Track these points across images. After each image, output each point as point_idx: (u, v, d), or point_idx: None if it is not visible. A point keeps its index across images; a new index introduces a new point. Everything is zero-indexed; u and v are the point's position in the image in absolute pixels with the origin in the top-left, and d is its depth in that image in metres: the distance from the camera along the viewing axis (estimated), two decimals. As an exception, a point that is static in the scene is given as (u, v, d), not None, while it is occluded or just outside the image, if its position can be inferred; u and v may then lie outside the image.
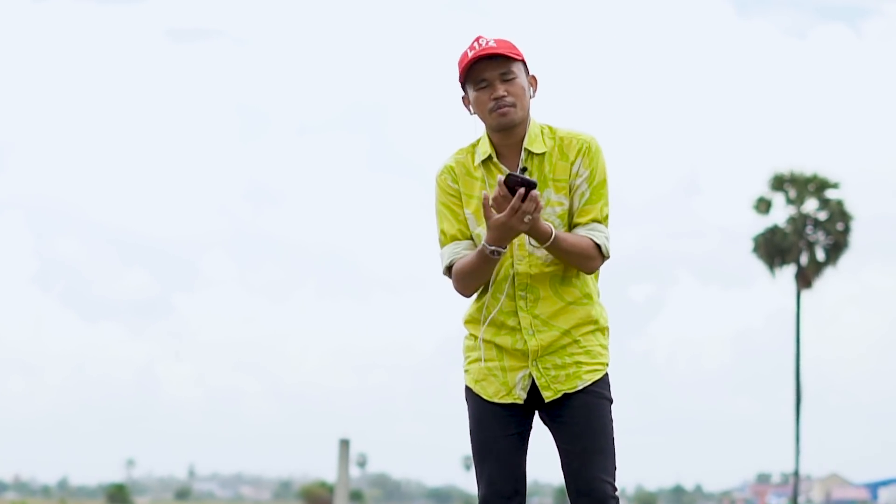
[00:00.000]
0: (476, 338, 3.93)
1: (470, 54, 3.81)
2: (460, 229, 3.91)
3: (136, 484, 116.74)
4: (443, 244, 3.94)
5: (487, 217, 3.69)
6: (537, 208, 3.66)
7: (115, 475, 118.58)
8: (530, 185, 3.63)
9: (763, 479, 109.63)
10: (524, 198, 3.64)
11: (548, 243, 3.76)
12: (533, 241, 3.82)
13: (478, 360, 3.94)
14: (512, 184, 3.65)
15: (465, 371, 4.00)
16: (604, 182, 3.87)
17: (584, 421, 3.87)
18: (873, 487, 70.59)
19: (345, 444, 25.97)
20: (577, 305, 3.90)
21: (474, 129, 3.93)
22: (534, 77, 3.88)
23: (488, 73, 3.80)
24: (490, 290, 3.89)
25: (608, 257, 3.88)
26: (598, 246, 3.84)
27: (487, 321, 3.89)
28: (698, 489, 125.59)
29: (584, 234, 3.85)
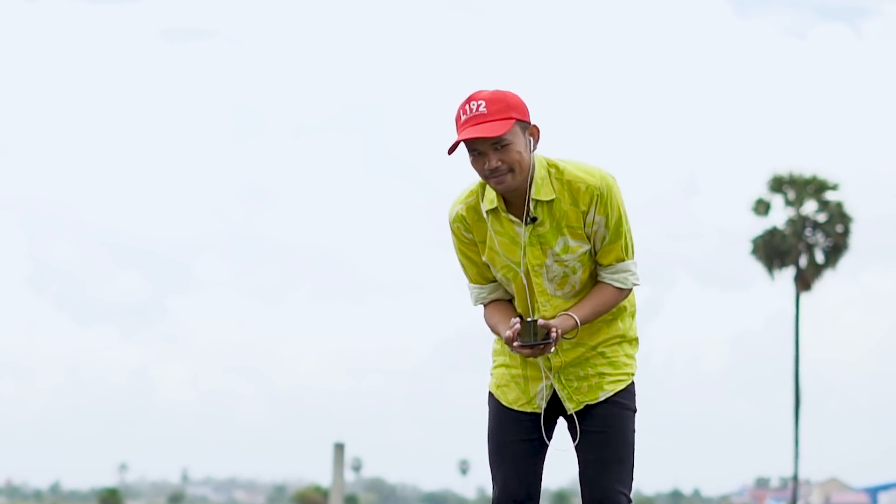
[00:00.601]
0: (502, 342, 3.90)
1: (461, 122, 3.74)
2: (481, 273, 3.95)
3: (128, 488, 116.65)
4: (469, 281, 4.01)
5: (508, 343, 3.75)
6: (557, 341, 3.74)
7: (108, 479, 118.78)
8: (545, 341, 3.72)
9: (762, 483, 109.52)
10: (541, 345, 3.72)
11: (578, 330, 3.83)
12: (550, 286, 3.85)
13: (503, 365, 3.97)
14: (523, 344, 3.73)
15: (491, 374, 4.03)
16: (621, 219, 3.84)
17: (604, 431, 3.88)
18: (873, 492, 70.32)
19: (340, 447, 25.68)
20: (606, 325, 3.92)
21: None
22: (535, 128, 3.80)
23: (479, 144, 3.73)
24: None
25: (638, 284, 3.92)
26: (620, 289, 3.87)
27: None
28: (696, 494, 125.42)
29: (607, 279, 3.88)
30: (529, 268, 3.85)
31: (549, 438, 3.95)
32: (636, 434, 3.94)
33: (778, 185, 40.13)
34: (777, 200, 40.18)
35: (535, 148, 3.81)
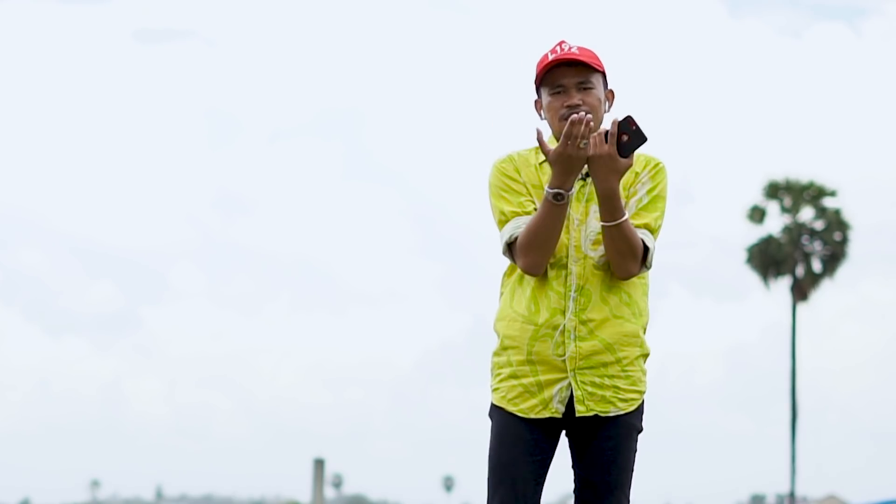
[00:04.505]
0: (506, 350, 3.90)
1: (550, 58, 3.86)
2: (521, 204, 3.89)
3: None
4: (502, 224, 3.91)
5: (545, 153, 3.76)
6: (589, 130, 3.71)
7: (80, 496, 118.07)
8: (635, 136, 3.74)
9: (757, 500, 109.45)
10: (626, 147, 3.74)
11: (619, 221, 3.79)
12: (589, 245, 3.86)
13: (511, 376, 3.90)
14: (622, 130, 3.73)
15: (495, 389, 3.95)
16: (664, 199, 3.92)
17: (611, 455, 3.89)
18: (868, 510, 69.77)
19: (319, 463, 26.18)
20: (624, 320, 3.90)
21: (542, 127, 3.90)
22: (611, 91, 3.95)
23: (566, 79, 3.85)
24: (536, 282, 3.87)
25: (649, 268, 3.90)
26: (646, 249, 3.86)
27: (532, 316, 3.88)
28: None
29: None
30: (570, 221, 3.86)
31: (553, 455, 3.93)
32: (637, 454, 3.95)
33: (773, 191, 39.66)
34: (773, 207, 39.74)
35: (608, 110, 3.92)
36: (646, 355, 3.96)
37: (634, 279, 3.90)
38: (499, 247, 3.93)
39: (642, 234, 3.86)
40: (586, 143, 3.71)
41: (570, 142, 3.70)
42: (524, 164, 3.92)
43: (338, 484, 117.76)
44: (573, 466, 3.93)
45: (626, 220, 3.79)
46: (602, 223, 3.81)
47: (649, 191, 3.90)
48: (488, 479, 3.91)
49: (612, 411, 3.87)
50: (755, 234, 39.49)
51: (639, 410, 3.93)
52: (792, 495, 39.76)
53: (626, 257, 3.82)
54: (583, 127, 3.69)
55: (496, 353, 3.97)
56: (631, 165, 3.78)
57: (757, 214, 39.46)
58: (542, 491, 3.93)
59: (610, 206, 3.78)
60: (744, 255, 39.52)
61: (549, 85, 3.86)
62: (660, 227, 3.92)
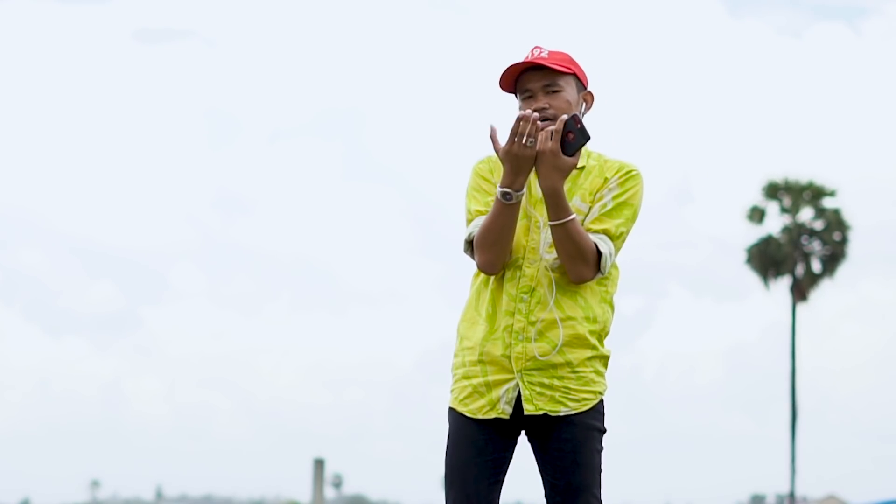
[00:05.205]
0: (463, 351, 3.93)
1: (521, 62, 3.87)
2: (488, 203, 3.89)
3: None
4: (468, 223, 3.93)
5: (496, 150, 3.76)
6: (536, 128, 3.71)
7: (80, 496, 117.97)
8: (580, 134, 3.72)
9: (757, 500, 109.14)
10: (570, 146, 3.73)
11: (563, 220, 3.76)
12: (547, 247, 3.85)
13: (464, 377, 3.92)
14: (568, 128, 3.72)
15: (451, 391, 3.99)
16: (631, 207, 3.89)
17: (571, 456, 3.86)
18: (869, 509, 69.71)
19: (319, 463, 25.93)
20: (576, 323, 3.87)
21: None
22: (589, 93, 3.95)
23: (532, 83, 3.87)
24: (495, 283, 3.88)
25: (603, 273, 3.84)
26: (598, 254, 3.81)
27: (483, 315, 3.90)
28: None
29: (592, 239, 3.84)
30: (532, 221, 3.87)
31: (510, 455, 3.92)
32: (602, 454, 3.91)
33: (773, 191, 39.53)
34: (772, 207, 39.60)
35: (585, 112, 3.92)
36: (603, 357, 3.92)
37: (593, 287, 3.88)
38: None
39: (598, 239, 3.82)
40: (532, 141, 3.70)
41: (517, 139, 3.70)
42: (500, 166, 3.89)
43: (338, 484, 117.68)
44: (539, 471, 3.92)
45: (571, 220, 3.76)
46: (549, 223, 3.80)
47: (615, 196, 3.87)
48: (444, 480, 3.93)
49: (563, 411, 3.84)
50: (755, 234, 39.44)
51: (596, 411, 3.89)
52: (792, 495, 39.63)
53: (575, 260, 3.79)
54: (529, 125, 3.69)
55: (455, 354, 3.99)
56: (575, 165, 3.76)
57: (756, 215, 39.36)
58: (499, 491, 3.91)
59: (553, 205, 3.76)
60: (743, 256, 39.43)
61: (519, 90, 3.89)
62: (623, 234, 3.87)
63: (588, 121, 3.87)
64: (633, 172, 3.90)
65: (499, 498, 3.93)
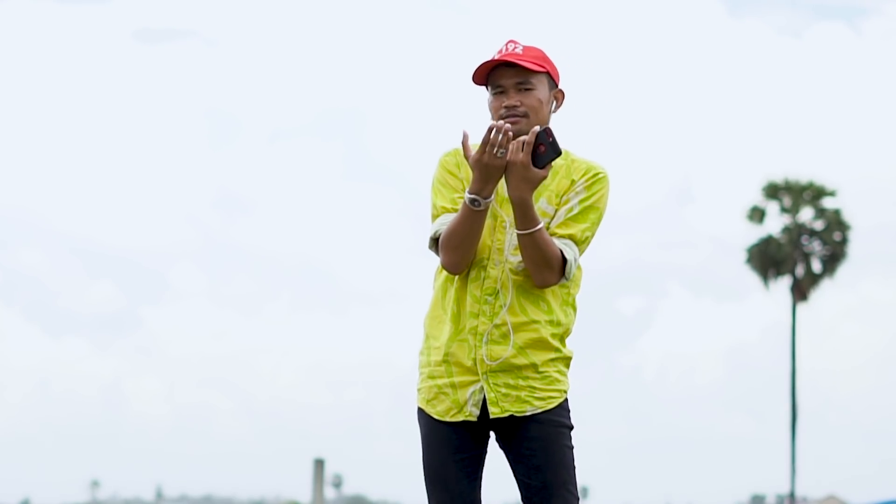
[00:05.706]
0: (429, 349, 3.95)
1: (496, 58, 3.86)
2: (454, 200, 3.89)
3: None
4: (433, 219, 3.93)
5: (466, 157, 3.77)
6: (508, 139, 3.71)
7: (80, 496, 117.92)
8: (551, 148, 3.71)
9: (757, 500, 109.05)
10: (541, 160, 3.72)
11: (530, 230, 3.76)
12: (511, 250, 3.85)
13: (429, 377, 3.94)
14: (540, 140, 3.72)
15: (418, 391, 4.00)
16: (597, 210, 3.89)
17: (542, 454, 3.86)
18: (869, 510, 69.67)
19: (319, 463, 25.51)
20: (540, 326, 3.87)
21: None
22: (560, 91, 3.93)
23: (504, 80, 3.86)
24: (459, 282, 3.88)
25: (567, 279, 3.86)
26: (564, 261, 3.82)
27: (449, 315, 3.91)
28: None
29: (557, 245, 3.84)
30: (498, 221, 3.87)
31: (485, 453, 3.93)
32: (574, 450, 3.92)
33: (773, 191, 39.48)
34: (772, 208, 39.55)
35: (555, 110, 3.91)
36: (565, 358, 3.93)
37: (556, 290, 3.88)
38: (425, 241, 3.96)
39: (564, 245, 3.83)
40: (503, 151, 3.70)
41: (488, 149, 3.70)
42: (465, 163, 3.89)
43: (338, 484, 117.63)
44: (512, 473, 3.91)
45: (539, 230, 3.76)
46: (516, 231, 3.80)
47: (582, 200, 3.87)
48: (425, 483, 3.94)
49: (529, 410, 3.85)
50: (755, 234, 39.40)
51: (562, 408, 3.90)
52: (792, 496, 39.59)
53: (540, 267, 3.80)
54: (501, 135, 3.69)
55: (420, 352, 3.99)
56: (545, 177, 3.75)
57: (757, 215, 39.32)
58: (479, 487, 3.93)
59: (521, 215, 3.76)
60: (744, 256, 39.41)
61: (491, 85, 3.88)
62: (588, 238, 3.88)
63: (571, 118, 3.93)
64: (601, 175, 3.89)
65: (480, 495, 3.94)
